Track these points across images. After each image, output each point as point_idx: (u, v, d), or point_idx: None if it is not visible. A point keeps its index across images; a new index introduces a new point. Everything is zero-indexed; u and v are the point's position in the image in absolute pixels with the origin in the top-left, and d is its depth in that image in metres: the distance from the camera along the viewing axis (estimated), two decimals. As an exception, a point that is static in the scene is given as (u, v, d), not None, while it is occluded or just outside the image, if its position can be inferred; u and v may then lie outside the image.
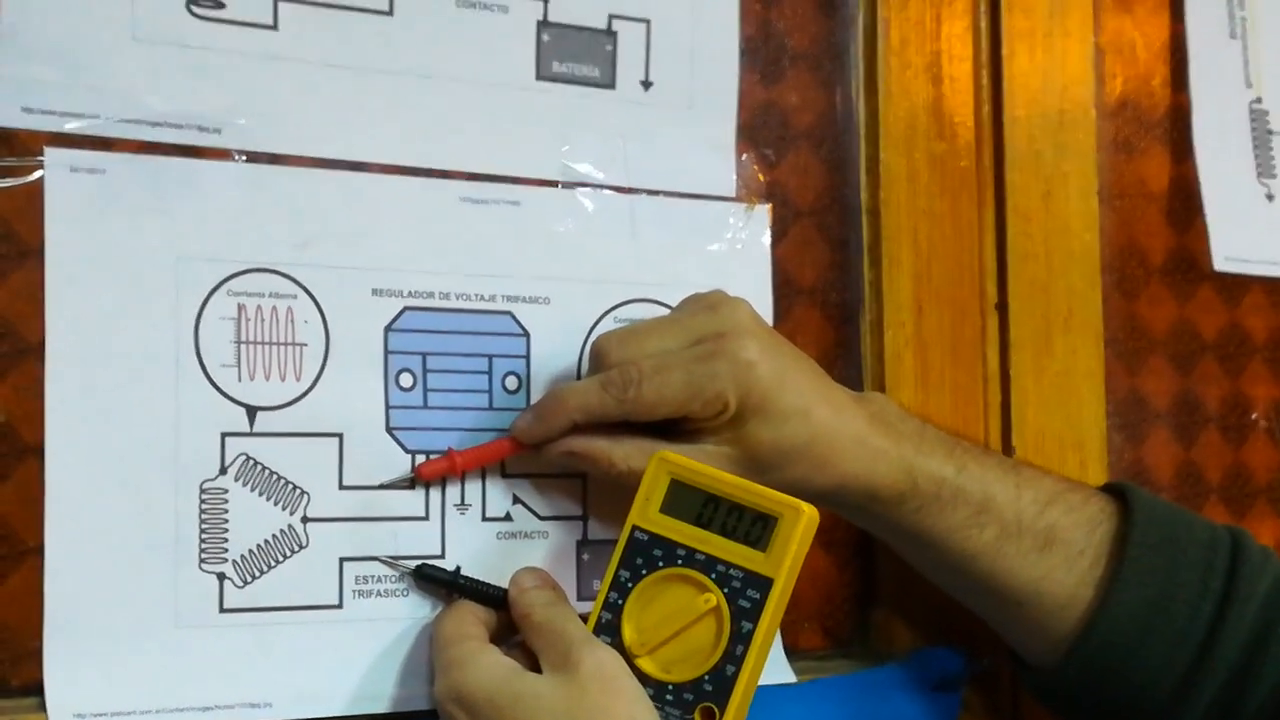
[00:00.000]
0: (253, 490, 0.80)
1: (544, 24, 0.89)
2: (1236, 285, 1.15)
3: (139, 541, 0.77)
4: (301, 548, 0.81)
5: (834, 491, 0.82)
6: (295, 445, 0.81)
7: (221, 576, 0.79)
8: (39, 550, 0.76)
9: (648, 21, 0.92)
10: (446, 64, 0.86)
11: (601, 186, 0.90)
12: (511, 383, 0.87)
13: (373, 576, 0.83)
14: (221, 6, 0.80)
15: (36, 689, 0.75)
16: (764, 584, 0.75)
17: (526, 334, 0.87)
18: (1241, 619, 0.84)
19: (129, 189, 0.78)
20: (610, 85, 0.91)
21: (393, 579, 0.83)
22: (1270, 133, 1.14)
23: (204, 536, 0.79)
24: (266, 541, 0.80)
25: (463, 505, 0.85)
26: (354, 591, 0.82)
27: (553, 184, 0.89)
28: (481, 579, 0.83)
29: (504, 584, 0.82)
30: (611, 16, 0.90)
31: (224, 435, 0.80)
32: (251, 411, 0.80)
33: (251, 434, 0.80)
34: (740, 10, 0.95)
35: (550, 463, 0.84)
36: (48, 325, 0.76)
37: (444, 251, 0.85)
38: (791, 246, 0.97)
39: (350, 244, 0.83)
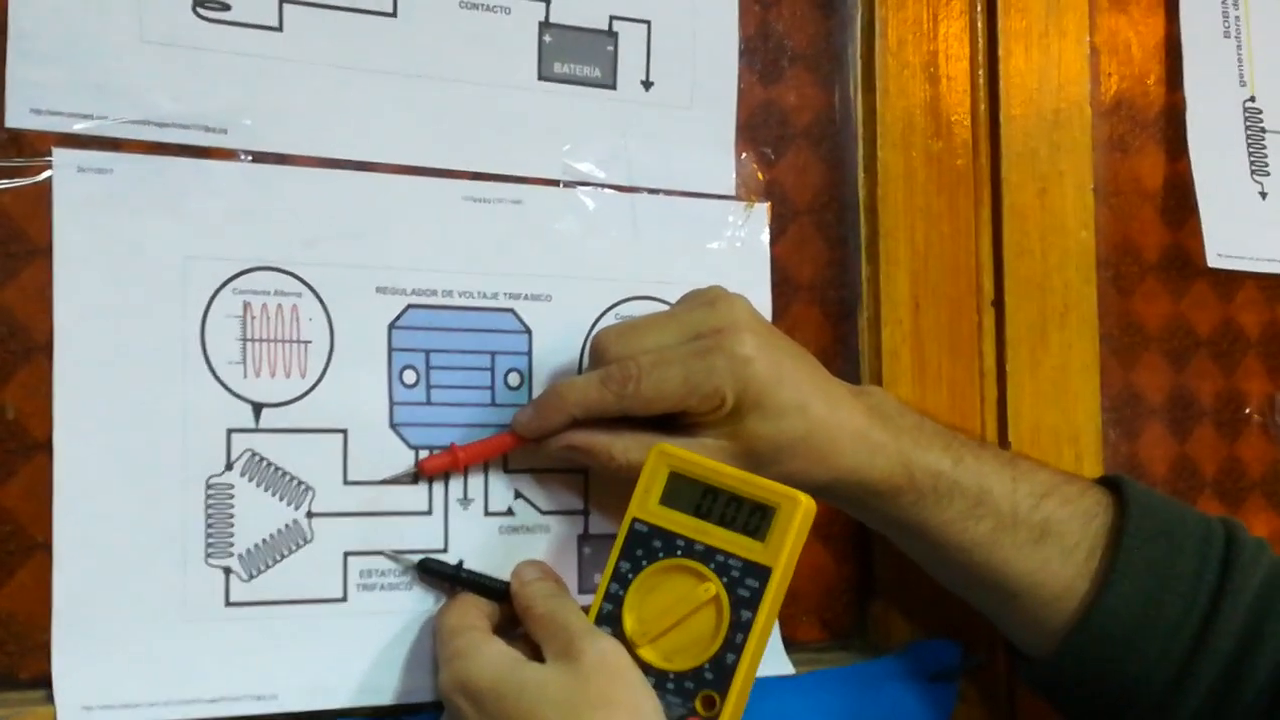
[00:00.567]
0: (258, 485, 0.81)
1: (546, 25, 0.89)
2: (1230, 281, 1.15)
3: (146, 536, 0.78)
4: (306, 542, 0.82)
5: (831, 485, 0.82)
6: (300, 441, 0.82)
7: (227, 571, 0.80)
8: (47, 545, 0.76)
9: (648, 22, 0.92)
10: (450, 65, 0.86)
11: (602, 185, 0.91)
12: (514, 379, 0.87)
13: (377, 570, 0.83)
14: (227, 8, 0.81)
15: (45, 681, 0.76)
16: (763, 573, 0.76)
17: (528, 331, 0.88)
18: (1236, 610, 0.85)
19: (136, 189, 0.79)
20: (611, 85, 0.91)
21: (396, 573, 0.84)
22: (1264, 130, 1.15)
23: (210, 531, 0.80)
24: (272, 536, 0.81)
25: (465, 500, 0.86)
26: (358, 585, 0.83)
27: (554, 183, 0.90)
28: (484, 573, 0.84)
29: (506, 578, 0.83)
30: (612, 17, 0.91)
31: (230, 431, 0.80)
32: (257, 408, 0.81)
33: (257, 430, 0.81)
34: (739, 11, 0.95)
35: (551, 457, 0.84)
36: (56, 323, 0.77)
37: (447, 250, 0.86)
38: (790, 244, 0.97)
39: (354, 243, 0.84)
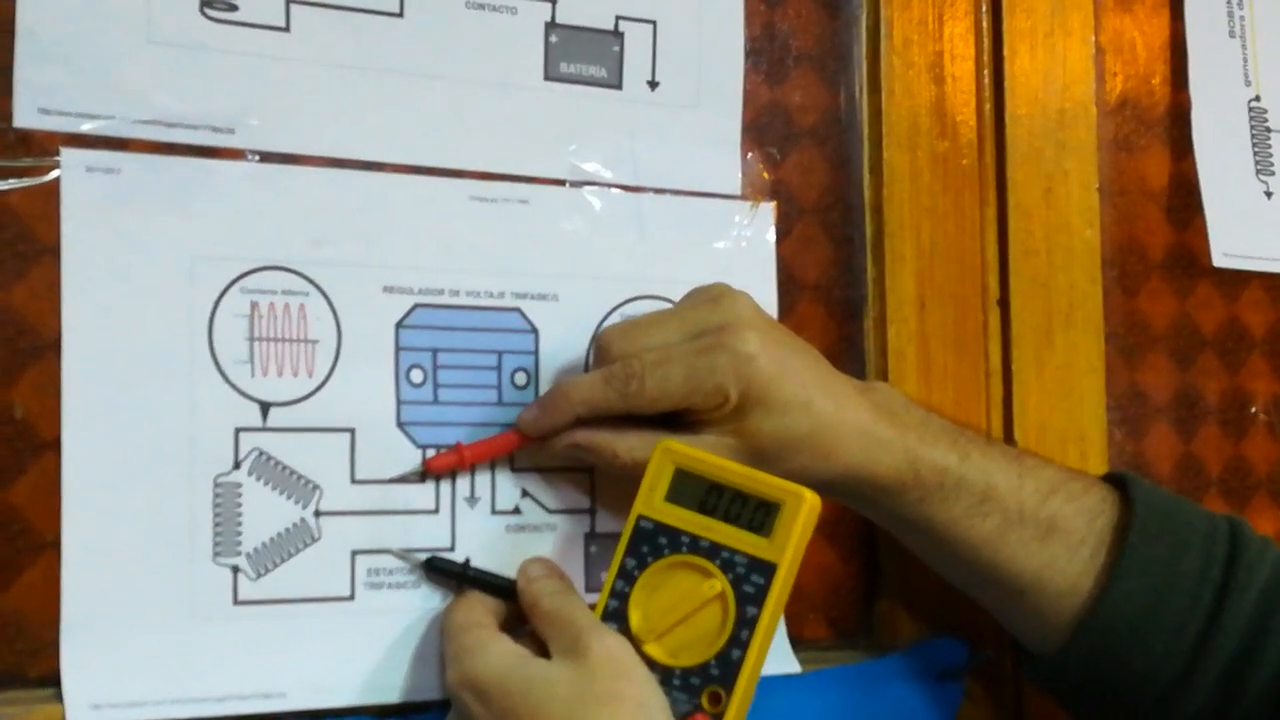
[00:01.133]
0: (266, 484, 0.81)
1: (552, 25, 0.89)
2: (1236, 281, 1.15)
3: (154, 535, 0.78)
4: (314, 541, 0.82)
5: (837, 481, 0.82)
6: (308, 440, 0.82)
7: (235, 569, 0.80)
8: (56, 544, 0.76)
9: (654, 23, 0.92)
10: (456, 65, 0.87)
11: (609, 185, 0.91)
12: (520, 378, 0.87)
13: (384, 569, 0.83)
14: (235, 9, 0.81)
15: (54, 680, 0.76)
16: (768, 569, 0.76)
17: (535, 330, 0.88)
18: (1241, 607, 0.85)
19: (144, 188, 0.79)
20: (617, 85, 0.92)
21: (404, 571, 0.84)
22: (1269, 130, 1.15)
23: (218, 530, 0.80)
24: (279, 535, 0.81)
25: (472, 499, 0.86)
26: (366, 584, 0.83)
27: (561, 183, 0.90)
28: (491, 571, 0.84)
29: (513, 576, 0.83)
30: (618, 18, 0.91)
31: (238, 430, 0.81)
32: (265, 407, 0.81)
33: (265, 429, 0.81)
34: (745, 11, 0.96)
35: (556, 455, 0.84)
36: (64, 323, 0.77)
37: (454, 249, 0.86)
38: (796, 244, 0.98)
39: (362, 242, 0.84)
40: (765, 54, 0.97)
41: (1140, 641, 0.85)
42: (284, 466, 0.82)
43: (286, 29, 0.83)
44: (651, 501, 0.79)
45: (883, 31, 0.99)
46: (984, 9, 1.02)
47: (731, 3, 0.95)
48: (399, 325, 0.85)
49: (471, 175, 0.87)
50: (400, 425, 0.84)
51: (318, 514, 0.82)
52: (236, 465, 0.80)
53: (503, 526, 0.87)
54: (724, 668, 0.76)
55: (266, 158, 0.82)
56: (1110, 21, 1.11)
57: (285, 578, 0.81)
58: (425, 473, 0.84)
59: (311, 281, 0.83)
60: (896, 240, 0.98)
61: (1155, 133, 1.13)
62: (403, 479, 0.84)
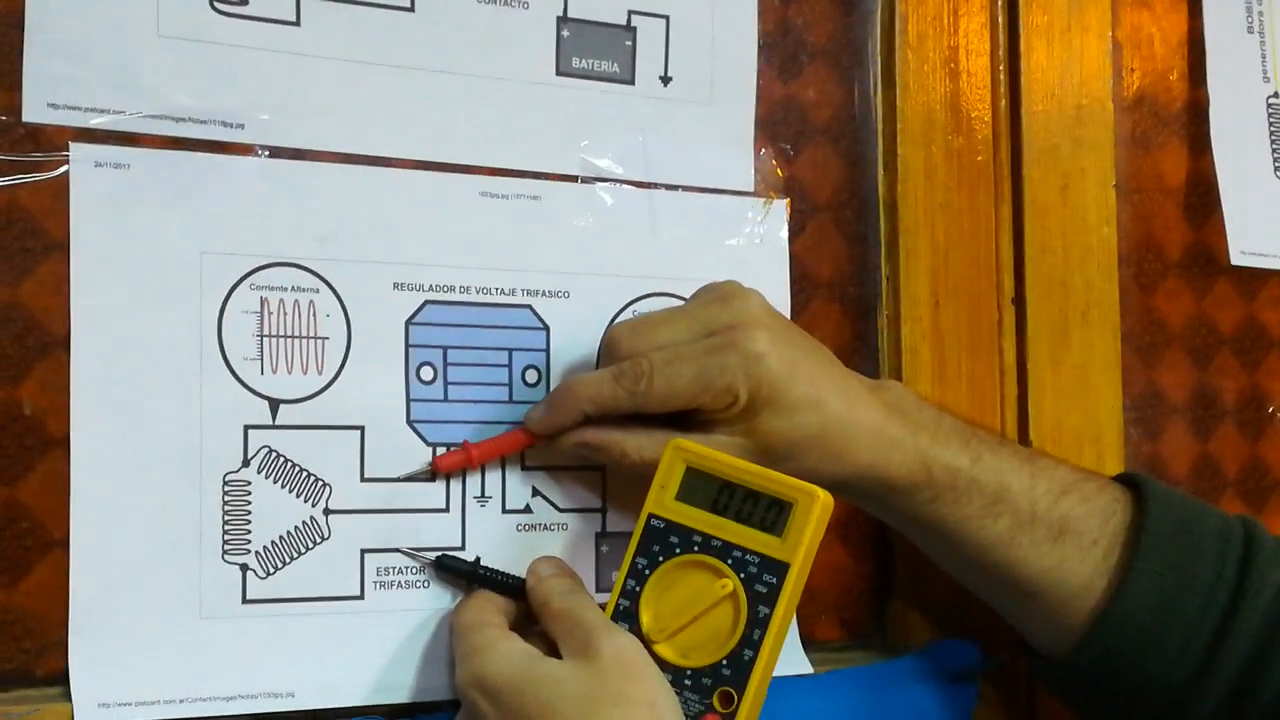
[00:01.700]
0: (275, 482, 0.81)
1: (564, 20, 0.89)
2: (1254, 279, 1.15)
3: (163, 533, 0.78)
4: (323, 539, 0.82)
5: (848, 481, 0.82)
6: (317, 438, 0.82)
7: (244, 568, 0.80)
8: (64, 542, 0.76)
9: (667, 17, 0.92)
10: (467, 60, 0.86)
11: (621, 181, 0.91)
12: (531, 376, 0.87)
13: (394, 568, 0.83)
14: (245, 3, 0.81)
15: (62, 679, 0.76)
16: (780, 569, 0.75)
17: (546, 327, 0.88)
18: (1255, 608, 0.84)
19: (153, 184, 0.79)
20: (629, 81, 0.91)
21: (413, 570, 0.83)
22: (1288, 127, 1.15)
23: (227, 528, 0.80)
24: (289, 533, 0.81)
25: (483, 498, 0.86)
26: (375, 583, 0.83)
27: (572, 179, 0.89)
28: (501, 570, 0.83)
29: (523, 575, 0.83)
30: (631, 12, 0.91)
31: (247, 428, 0.80)
32: (274, 404, 0.81)
33: (274, 427, 0.81)
34: (758, 6, 0.95)
35: (564, 454, 0.84)
36: (73, 319, 0.77)
37: (464, 246, 0.86)
38: (809, 241, 0.97)
39: (372, 238, 0.84)
40: (779, 49, 0.97)
41: (1153, 643, 0.84)
42: (293, 464, 0.81)
43: (297, 23, 0.82)
44: (663, 500, 0.79)
45: (897, 27, 0.98)
46: (1000, 4, 1.02)
47: (745, -2, 0.95)
48: (409, 322, 0.84)
49: (482, 171, 0.87)
50: (410, 423, 0.84)
51: (327, 512, 0.82)
52: (245, 463, 0.80)
53: (513, 525, 0.86)
54: (736, 668, 0.75)
55: (276, 153, 0.82)
56: (1128, 17, 1.10)
57: (294, 576, 0.81)
58: (435, 471, 0.84)
59: (321, 278, 0.82)
60: (911, 237, 0.97)
61: (1173, 129, 1.12)
62: (412, 478, 0.84)
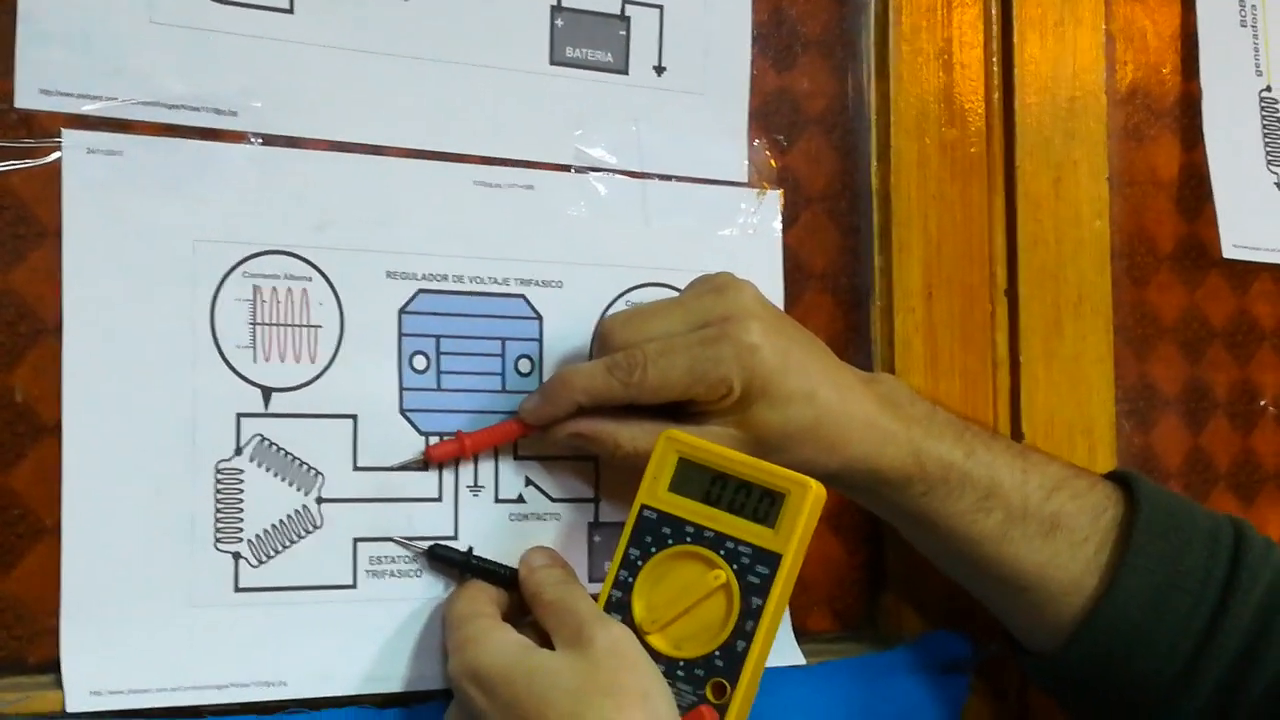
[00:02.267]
0: (268, 471, 0.81)
1: (558, 9, 0.89)
2: (1245, 272, 1.15)
3: (155, 521, 0.78)
4: (316, 528, 0.82)
5: (841, 473, 0.82)
6: (310, 426, 0.82)
7: (236, 556, 0.80)
8: (56, 529, 0.76)
9: (661, 7, 0.92)
10: (461, 48, 0.86)
11: (614, 171, 0.91)
12: (524, 365, 0.87)
13: (386, 557, 0.83)
14: (238, -10, 0.81)
15: (53, 666, 0.76)
16: (773, 559, 0.75)
17: (539, 317, 0.88)
18: (1245, 607, 0.84)
19: (146, 171, 0.79)
20: (623, 70, 0.91)
21: (406, 559, 0.83)
22: (1280, 121, 1.15)
23: (219, 516, 0.79)
24: (281, 522, 0.81)
25: (475, 487, 0.85)
26: (368, 572, 0.83)
27: (566, 168, 0.89)
28: (494, 560, 0.83)
29: (516, 565, 0.83)
30: (625, 2, 0.91)
31: (239, 416, 0.80)
32: (267, 392, 0.81)
33: (267, 415, 0.81)
34: (753, -3, 0.95)
35: (558, 444, 0.84)
36: (65, 306, 0.77)
37: (458, 235, 0.86)
38: (802, 232, 0.97)
39: (365, 227, 0.83)
40: (773, 40, 0.97)
41: (1143, 639, 0.85)
42: (286, 453, 0.81)
43: (290, 10, 0.82)
44: (655, 491, 0.79)
45: (891, 18, 0.98)
46: (994, -4, 1.02)
47: (739, -12, 0.95)
48: (402, 311, 0.84)
49: (476, 160, 0.87)
50: (403, 412, 0.84)
51: (320, 501, 0.82)
52: (238, 451, 0.80)
53: (506, 515, 0.86)
54: (729, 659, 0.75)
55: (269, 140, 0.82)
56: (1121, 10, 1.10)
57: (287, 565, 0.81)
58: (427, 461, 0.84)
59: (314, 266, 0.82)
60: (904, 229, 0.97)
61: (1165, 122, 1.12)
62: (405, 467, 0.84)
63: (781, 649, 0.88)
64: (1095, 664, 0.86)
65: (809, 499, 0.75)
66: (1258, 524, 0.90)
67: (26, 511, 0.77)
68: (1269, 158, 1.14)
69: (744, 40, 0.95)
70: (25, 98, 0.77)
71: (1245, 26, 1.14)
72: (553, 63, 0.89)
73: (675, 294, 0.89)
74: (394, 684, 0.82)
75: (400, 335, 0.84)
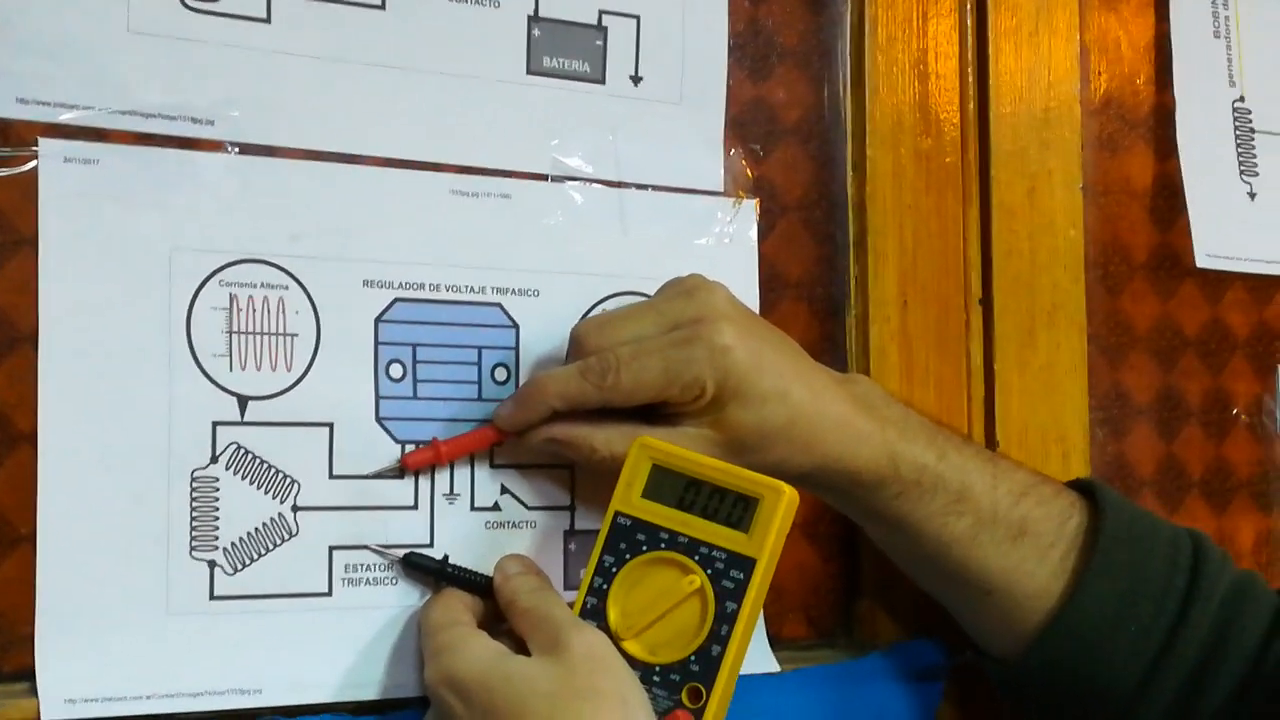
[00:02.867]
0: (243, 479, 0.81)
1: (535, 19, 0.89)
2: (1218, 281, 1.15)
3: (131, 529, 0.78)
4: (292, 536, 0.82)
5: (815, 472, 0.82)
6: (286, 434, 0.82)
7: (212, 564, 0.80)
8: (31, 537, 0.76)
9: (637, 17, 0.92)
10: (438, 58, 0.86)
11: (591, 180, 0.91)
12: (500, 374, 0.87)
13: (362, 565, 0.83)
14: (215, 0, 0.81)
15: (28, 674, 0.76)
16: (747, 564, 0.76)
17: (515, 325, 0.88)
18: (1204, 616, 0.85)
19: (122, 180, 0.79)
20: (600, 80, 0.91)
21: (382, 567, 0.83)
22: (1253, 131, 1.15)
23: (195, 524, 0.79)
24: (257, 529, 0.81)
25: (451, 495, 0.86)
26: (343, 579, 0.83)
27: (543, 177, 0.90)
28: (469, 568, 0.83)
29: (491, 573, 0.83)
30: (602, 12, 0.91)
31: (215, 424, 0.80)
32: (243, 401, 0.81)
33: (242, 423, 0.81)
34: (729, 7, 0.95)
35: (533, 450, 0.84)
36: (41, 314, 0.77)
37: (434, 243, 0.86)
38: (778, 241, 0.97)
39: (342, 235, 0.84)
40: (749, 50, 0.97)
41: (1104, 646, 0.85)
42: (262, 461, 0.81)
43: (268, 20, 0.82)
44: (629, 498, 0.79)
45: (867, 29, 0.99)
46: (968, 7, 1.02)
47: (715, -2, 0.95)
48: (378, 320, 0.84)
49: (452, 169, 0.87)
50: (379, 420, 0.84)
51: (295, 509, 0.82)
52: (214, 459, 0.80)
53: (482, 523, 0.86)
54: (704, 664, 0.76)
55: (246, 150, 0.82)
56: (1095, 20, 1.11)
57: (262, 573, 0.81)
58: (403, 469, 0.84)
59: (291, 275, 0.82)
60: (879, 238, 0.98)
61: (1139, 133, 1.13)
62: (381, 475, 0.84)
63: (756, 656, 0.88)
64: (1057, 670, 0.87)
65: (782, 504, 0.76)
66: (1230, 532, 0.91)
67: (1, 520, 0.76)
68: (1242, 168, 1.15)
69: (720, 50, 0.95)
70: (2, 106, 0.76)
71: (1219, 37, 1.15)
72: (529, 72, 0.89)
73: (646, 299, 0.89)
74: (370, 691, 0.82)
75: (376, 344, 0.84)
